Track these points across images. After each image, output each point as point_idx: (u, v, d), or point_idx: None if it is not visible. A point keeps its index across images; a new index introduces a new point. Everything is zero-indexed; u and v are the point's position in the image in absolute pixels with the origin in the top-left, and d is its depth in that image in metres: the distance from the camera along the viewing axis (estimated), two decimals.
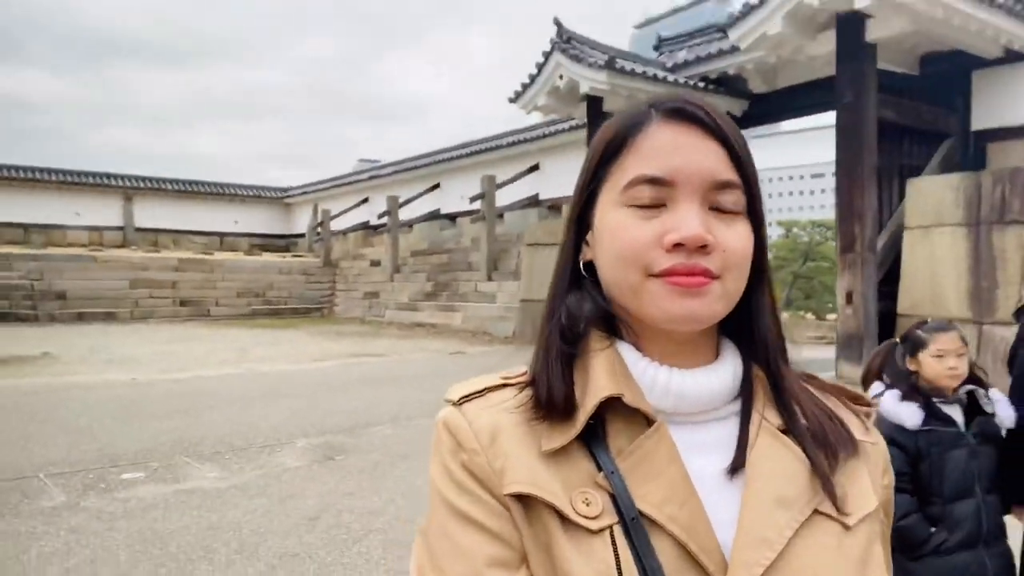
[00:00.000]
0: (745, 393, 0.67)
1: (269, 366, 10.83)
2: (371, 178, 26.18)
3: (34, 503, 4.36)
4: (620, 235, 0.64)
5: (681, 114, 0.65)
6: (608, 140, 0.68)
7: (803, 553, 0.58)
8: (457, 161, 21.73)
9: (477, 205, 17.95)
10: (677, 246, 0.61)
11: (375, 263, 22.13)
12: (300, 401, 7.86)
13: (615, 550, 0.56)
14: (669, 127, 0.65)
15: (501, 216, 18.42)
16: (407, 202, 22.04)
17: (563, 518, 0.58)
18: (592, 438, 0.62)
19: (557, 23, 12.52)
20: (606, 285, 0.67)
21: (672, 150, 0.63)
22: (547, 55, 12.62)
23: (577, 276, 0.70)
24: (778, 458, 0.63)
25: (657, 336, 0.66)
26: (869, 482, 0.67)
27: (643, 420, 0.63)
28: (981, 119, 10.95)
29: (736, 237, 0.63)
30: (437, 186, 22.59)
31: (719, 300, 0.63)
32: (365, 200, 26.06)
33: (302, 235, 29.04)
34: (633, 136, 0.66)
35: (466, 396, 0.66)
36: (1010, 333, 7.96)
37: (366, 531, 3.96)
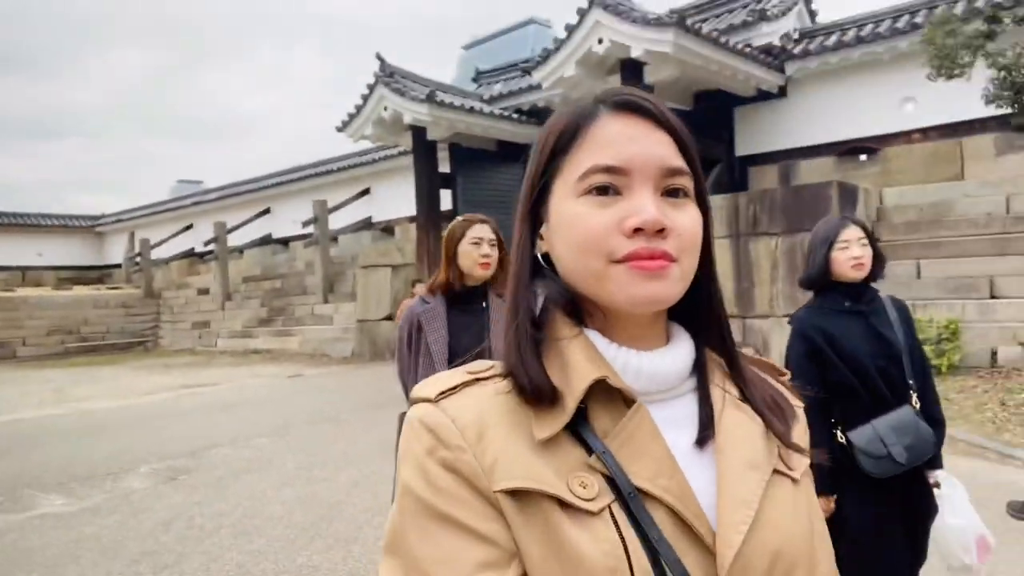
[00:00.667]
0: (699, 370, 0.71)
1: (94, 404, 10.52)
2: (195, 204, 25.29)
3: None
4: (579, 224, 0.65)
5: (629, 106, 0.67)
6: (558, 134, 0.69)
7: (770, 508, 0.64)
8: (287, 185, 21.67)
9: (310, 229, 18.14)
10: (637, 231, 0.63)
11: (203, 291, 21.46)
12: (134, 432, 7.93)
13: (617, 528, 0.59)
14: (619, 119, 0.67)
15: (335, 239, 18.73)
16: (236, 228, 21.62)
17: (563, 504, 0.59)
18: (576, 422, 0.63)
19: (380, 59, 13.26)
20: (566, 275, 0.68)
21: (625, 140, 0.65)
22: (371, 88, 13.33)
23: (536, 269, 0.71)
24: (743, 426, 0.68)
25: (620, 320, 0.68)
26: (801, 438, 0.73)
27: (621, 401, 0.65)
28: (742, 147, 13.09)
29: (689, 220, 0.66)
30: (267, 211, 22.37)
31: (678, 281, 0.65)
32: (189, 227, 25.12)
33: (118, 266, 27.35)
34: (584, 129, 0.67)
35: (443, 392, 0.65)
36: (767, 325, 9.79)
37: (217, 527, 4.48)
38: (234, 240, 21.59)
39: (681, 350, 0.70)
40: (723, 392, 0.70)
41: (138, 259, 24.20)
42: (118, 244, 28.20)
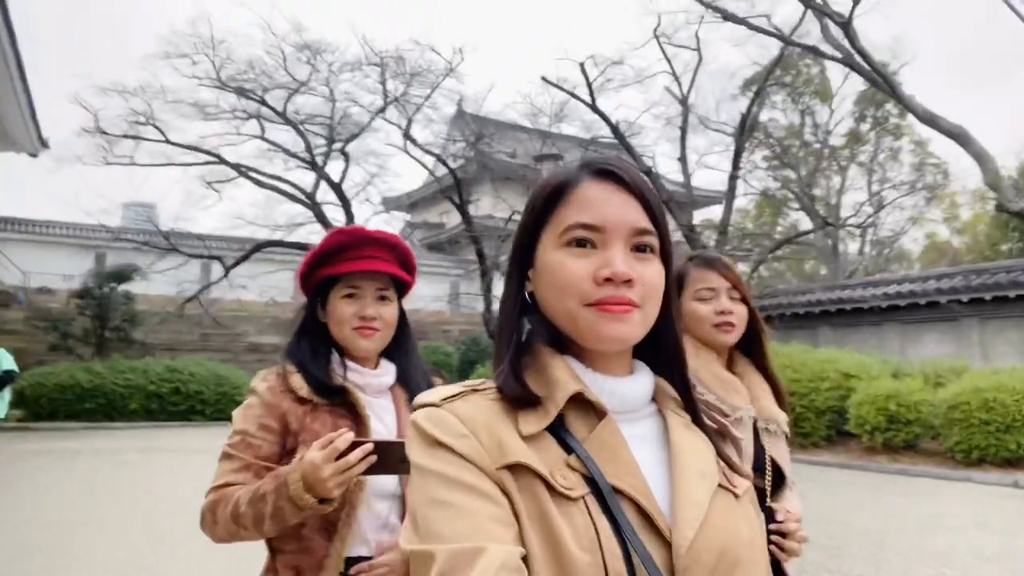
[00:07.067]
0: (657, 397, 0.84)
1: None
2: None
3: None
4: (560, 271, 0.77)
5: (607, 173, 0.79)
6: (548, 192, 0.80)
7: (716, 512, 0.75)
8: None
9: None
10: (607, 280, 0.74)
11: None
12: None
13: (590, 515, 0.69)
14: (598, 184, 0.78)
15: None
16: None
17: (549, 488, 0.70)
18: (557, 427, 0.75)
19: None
20: (547, 312, 0.80)
21: (602, 202, 0.77)
22: None
23: (524, 303, 0.83)
24: (694, 443, 0.80)
25: (592, 352, 0.79)
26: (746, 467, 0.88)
27: (593, 414, 0.77)
28: None
29: (652, 273, 0.77)
30: None
31: (640, 324, 0.77)
32: None
33: None
34: (569, 190, 0.79)
35: (446, 398, 0.76)
36: None
37: None
38: None
39: (643, 380, 0.83)
40: (677, 416, 0.83)
41: None
42: None
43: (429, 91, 18.19)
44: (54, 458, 10.35)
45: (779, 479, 1.64)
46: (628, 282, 0.75)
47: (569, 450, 0.74)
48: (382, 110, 18.38)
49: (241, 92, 17.62)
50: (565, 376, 0.77)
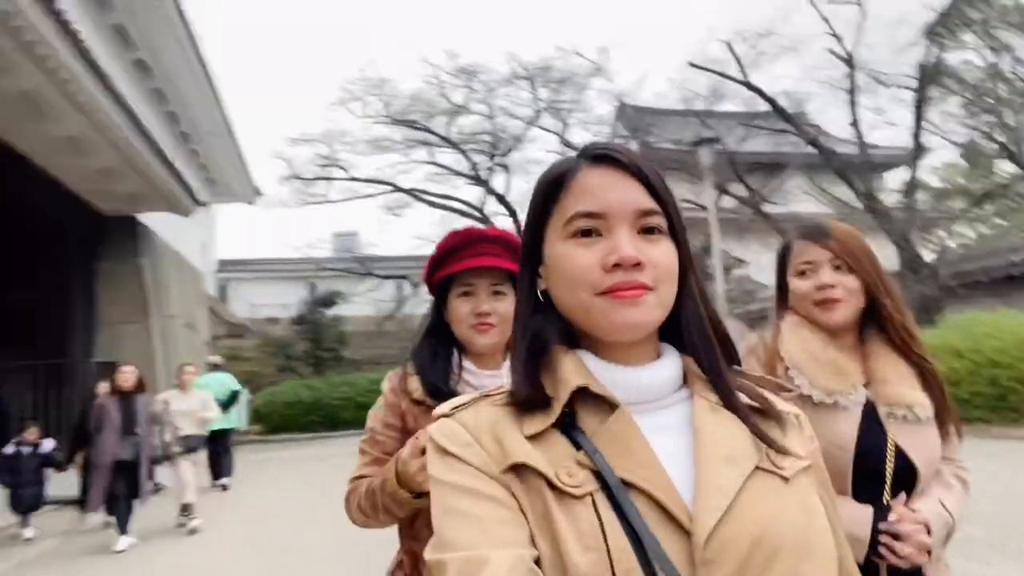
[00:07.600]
0: (689, 380, 0.80)
1: None
2: None
3: None
4: (567, 264, 0.76)
5: (604, 159, 0.78)
6: (547, 185, 0.80)
7: (751, 500, 0.70)
8: None
9: None
10: (616, 266, 0.73)
11: None
12: None
13: (597, 512, 0.67)
14: (597, 170, 0.78)
15: None
16: None
17: (552, 487, 0.69)
18: (566, 424, 0.74)
19: None
20: (561, 307, 0.79)
21: (602, 188, 0.76)
22: None
23: (537, 302, 0.82)
24: (720, 425, 0.75)
25: (609, 345, 0.77)
26: (799, 444, 0.79)
27: (607, 407, 0.75)
28: None
29: (662, 254, 0.76)
30: None
31: (655, 308, 0.75)
32: None
33: None
34: (568, 180, 0.78)
35: (456, 407, 0.78)
36: None
37: None
38: None
39: (666, 365, 0.79)
40: (705, 399, 0.77)
41: None
42: None
43: (579, 94, 18.65)
44: (283, 464, 12.14)
45: (908, 472, 1.41)
46: (638, 265, 0.74)
47: (579, 446, 0.72)
48: (535, 120, 19.15)
49: (409, 124, 19.21)
50: (570, 372, 0.76)
